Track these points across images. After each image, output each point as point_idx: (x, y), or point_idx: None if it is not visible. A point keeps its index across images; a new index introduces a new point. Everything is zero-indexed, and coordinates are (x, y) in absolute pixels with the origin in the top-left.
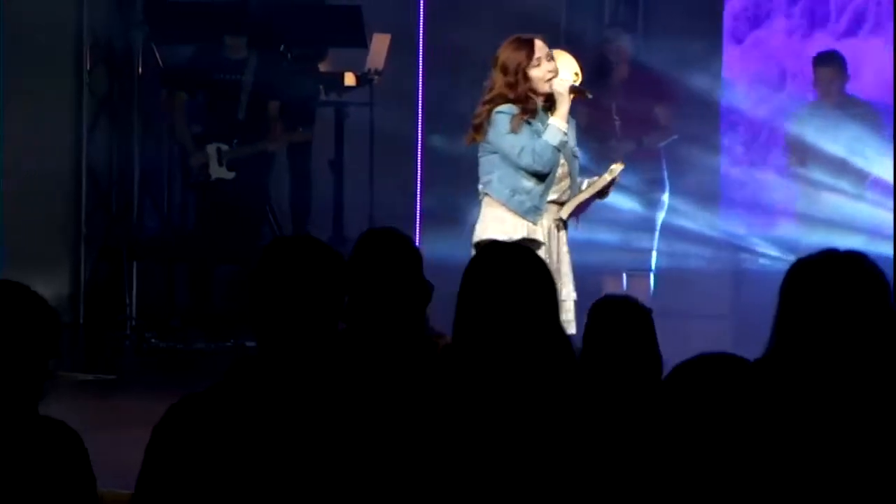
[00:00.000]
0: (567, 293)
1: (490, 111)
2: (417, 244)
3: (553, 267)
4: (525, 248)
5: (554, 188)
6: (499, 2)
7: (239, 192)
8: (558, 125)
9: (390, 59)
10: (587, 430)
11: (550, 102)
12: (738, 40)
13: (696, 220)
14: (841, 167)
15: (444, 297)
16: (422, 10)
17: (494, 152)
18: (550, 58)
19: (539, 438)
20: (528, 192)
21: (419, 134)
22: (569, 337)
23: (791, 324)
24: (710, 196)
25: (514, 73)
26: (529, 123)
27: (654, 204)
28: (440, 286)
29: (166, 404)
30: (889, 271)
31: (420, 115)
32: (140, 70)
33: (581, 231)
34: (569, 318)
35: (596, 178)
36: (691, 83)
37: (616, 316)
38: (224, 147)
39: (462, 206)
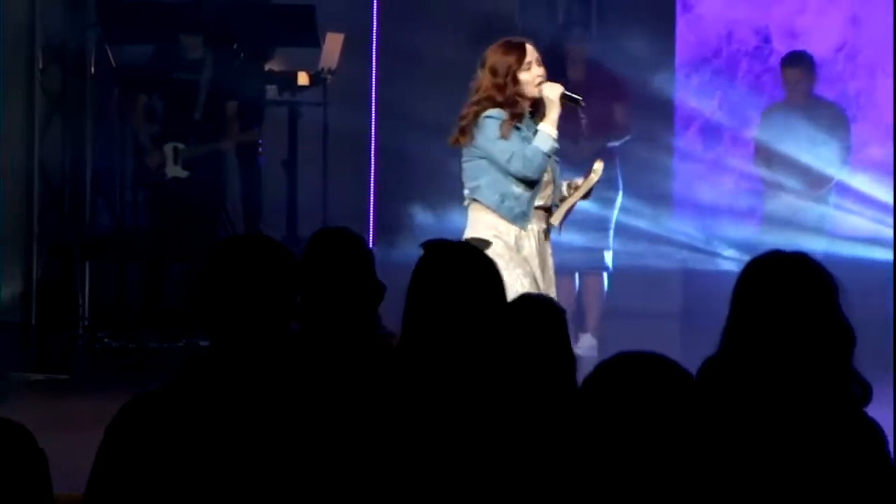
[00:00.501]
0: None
1: (477, 114)
2: (371, 244)
3: (541, 273)
4: (472, 248)
5: (539, 194)
6: (452, 2)
7: (193, 192)
8: (549, 132)
9: (344, 59)
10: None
11: (536, 108)
12: (694, 37)
13: (650, 219)
14: (805, 169)
15: (398, 297)
16: (375, 9)
17: (482, 157)
18: (540, 63)
19: (485, 435)
20: (518, 198)
21: (373, 134)
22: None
23: (739, 324)
24: (664, 196)
25: (503, 75)
26: (518, 129)
27: (608, 203)
28: (393, 286)
29: (119, 404)
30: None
31: (374, 114)
32: (93, 70)
33: None
34: None
35: (579, 179)
36: (645, 82)
37: (529, 315)
38: (181, 146)
39: (416, 206)
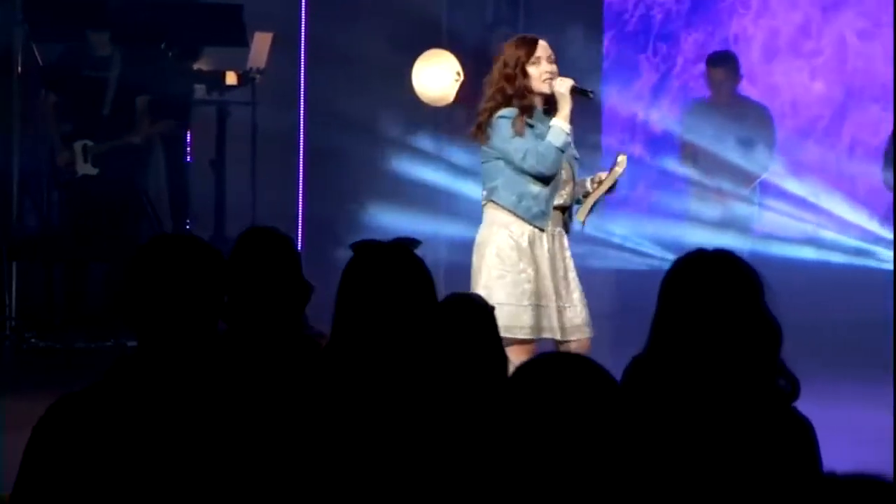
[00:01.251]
0: (578, 298)
1: (491, 112)
2: (299, 243)
3: (550, 274)
4: (402, 248)
5: (558, 192)
6: (380, 1)
7: (105, 188)
8: (561, 126)
9: (272, 58)
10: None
11: (549, 105)
12: (622, 36)
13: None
14: (730, 168)
15: (327, 297)
16: (304, 8)
17: (498, 158)
18: (552, 60)
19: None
20: (535, 197)
21: (301, 133)
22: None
23: (666, 323)
24: None
25: (512, 66)
26: (532, 126)
27: None
28: (322, 286)
29: (46, 404)
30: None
31: (302, 114)
32: (20, 69)
33: (459, 232)
34: (581, 322)
35: (603, 173)
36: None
37: (459, 313)
38: (90, 144)
39: (344, 205)
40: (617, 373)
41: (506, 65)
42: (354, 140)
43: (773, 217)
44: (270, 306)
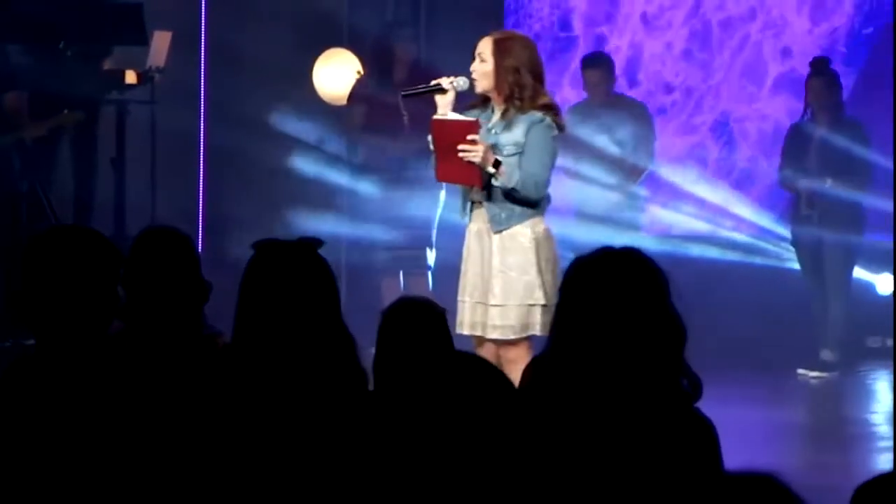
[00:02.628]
0: (502, 299)
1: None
2: (199, 243)
3: (480, 272)
4: (303, 247)
5: (475, 188)
6: (281, 0)
7: None
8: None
9: (172, 57)
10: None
11: (508, 103)
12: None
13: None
14: (612, 163)
15: (225, 296)
16: (203, 7)
17: None
18: (483, 59)
19: (319, 436)
20: (460, 192)
21: (202, 132)
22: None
23: (569, 321)
24: None
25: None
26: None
27: (431, 203)
28: (221, 285)
29: None
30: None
31: (203, 113)
32: None
33: (361, 232)
34: (502, 323)
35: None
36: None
37: (410, 318)
38: None
39: (245, 205)
40: None
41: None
42: (255, 139)
43: (661, 213)
44: (169, 305)
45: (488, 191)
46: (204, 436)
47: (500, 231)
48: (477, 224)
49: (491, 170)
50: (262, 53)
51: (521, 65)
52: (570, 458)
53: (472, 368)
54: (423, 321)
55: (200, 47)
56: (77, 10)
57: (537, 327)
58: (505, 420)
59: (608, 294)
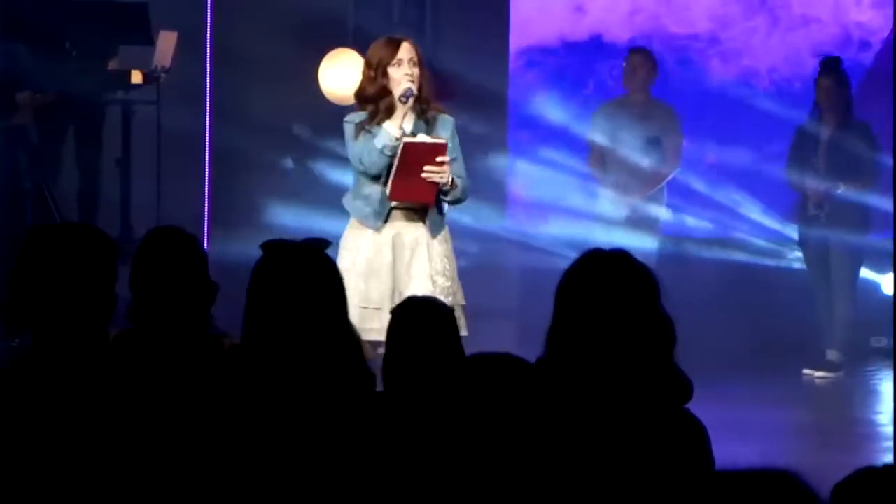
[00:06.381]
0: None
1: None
2: (206, 243)
3: (406, 276)
4: (311, 248)
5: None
6: (287, 1)
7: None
8: (387, 128)
9: (177, 58)
10: (385, 430)
11: (427, 105)
12: (528, 36)
13: (482, 218)
14: (637, 169)
15: (233, 297)
16: (209, 7)
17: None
18: (415, 63)
19: (327, 438)
20: (367, 198)
21: (207, 132)
22: (357, 336)
23: (562, 324)
24: (498, 195)
25: (374, 68)
26: (369, 131)
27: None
28: (228, 287)
29: None
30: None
31: (208, 113)
32: None
33: None
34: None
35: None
36: (479, 81)
37: (419, 317)
38: None
39: (251, 205)
40: None
41: (369, 66)
42: (261, 140)
43: (682, 217)
44: (175, 306)
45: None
46: (210, 436)
47: (436, 236)
48: (395, 229)
49: (447, 186)
50: (267, 54)
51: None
52: (563, 460)
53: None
54: (432, 321)
55: (206, 47)
56: (83, 9)
57: (464, 328)
58: (518, 422)
59: (598, 295)
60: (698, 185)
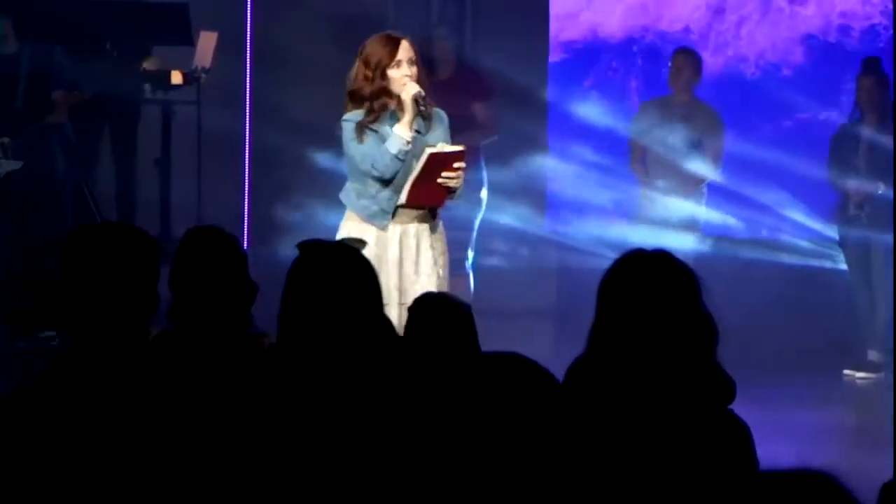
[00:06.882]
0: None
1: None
2: (245, 244)
3: (414, 274)
4: (347, 248)
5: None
6: (327, 1)
7: (32, 178)
8: (400, 133)
9: (217, 58)
10: (412, 425)
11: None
12: (568, 36)
13: (523, 218)
14: (678, 170)
15: (272, 297)
16: (249, 7)
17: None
18: (413, 63)
19: (368, 435)
20: (373, 197)
21: (247, 133)
22: (396, 334)
23: (604, 323)
24: (537, 194)
25: (373, 68)
26: (374, 131)
27: (472, 203)
28: (267, 286)
29: None
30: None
31: (248, 113)
32: None
33: None
34: None
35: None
36: (518, 81)
37: (436, 313)
38: (6, 140)
39: (290, 206)
40: (560, 371)
41: (367, 65)
42: (299, 140)
43: (721, 217)
44: (216, 306)
45: None
46: (249, 436)
47: (435, 231)
48: (400, 225)
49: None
50: (307, 54)
51: None
52: (604, 459)
53: (508, 367)
54: (449, 318)
55: (246, 47)
56: (124, 10)
57: None
58: (540, 419)
59: (641, 295)
60: (739, 184)
